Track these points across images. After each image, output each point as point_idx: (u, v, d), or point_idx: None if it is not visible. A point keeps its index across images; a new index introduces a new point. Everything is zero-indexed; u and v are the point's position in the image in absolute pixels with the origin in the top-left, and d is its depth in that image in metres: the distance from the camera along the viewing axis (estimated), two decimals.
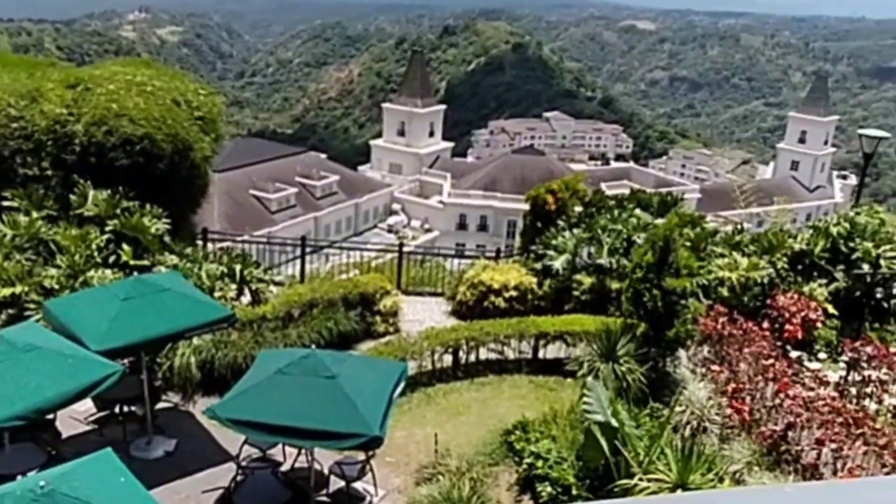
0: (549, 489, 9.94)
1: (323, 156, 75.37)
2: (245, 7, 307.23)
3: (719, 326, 12.96)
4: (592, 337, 12.83)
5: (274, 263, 18.88)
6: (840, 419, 9.96)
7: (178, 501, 9.88)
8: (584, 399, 10.22)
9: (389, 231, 67.04)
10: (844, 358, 12.72)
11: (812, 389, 10.85)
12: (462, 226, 71.80)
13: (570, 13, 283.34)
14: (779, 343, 12.91)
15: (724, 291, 14.89)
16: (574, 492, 9.79)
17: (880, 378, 11.72)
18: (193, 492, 10.11)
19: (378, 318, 14.97)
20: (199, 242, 16.76)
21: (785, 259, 15.97)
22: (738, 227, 18.05)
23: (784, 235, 16.73)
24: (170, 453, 10.99)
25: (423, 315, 16.13)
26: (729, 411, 11.39)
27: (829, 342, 14.89)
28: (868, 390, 11.84)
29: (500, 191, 70.93)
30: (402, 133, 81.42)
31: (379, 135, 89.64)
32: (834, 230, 16.55)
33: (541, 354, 14.28)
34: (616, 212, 16.58)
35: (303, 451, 10.38)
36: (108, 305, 10.14)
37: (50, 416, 10.14)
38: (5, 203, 14.01)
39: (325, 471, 10.31)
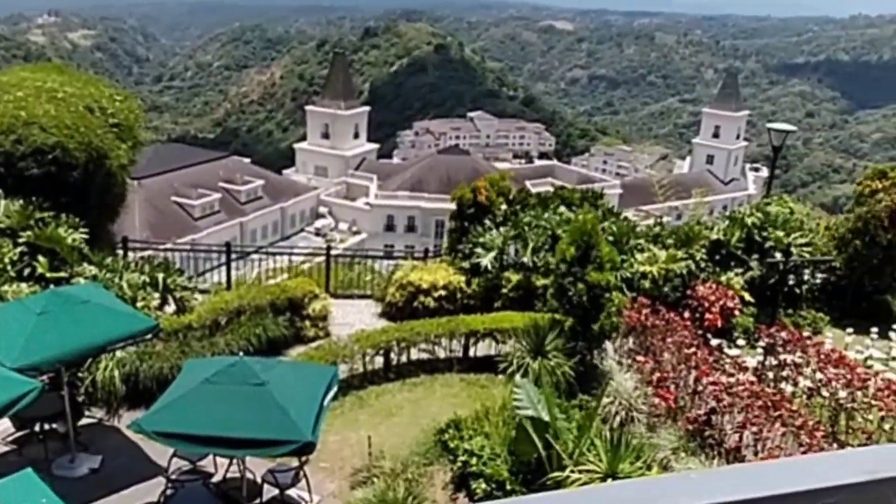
0: (483, 485, 10.04)
1: (247, 160, 74.10)
2: (160, 10, 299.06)
3: (643, 318, 13.35)
4: (521, 333, 13.02)
5: (199, 271, 18.51)
6: (759, 403, 10.39)
7: None
8: (515, 395, 10.37)
9: (317, 234, 66.37)
10: (761, 344, 13.26)
11: (732, 375, 11.28)
12: (390, 227, 71.68)
13: (490, 14, 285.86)
14: (700, 332, 13.37)
15: (647, 284, 15.32)
16: (508, 487, 9.92)
17: (795, 361, 12.27)
18: None
19: (307, 323, 14.85)
20: (120, 252, 16.30)
21: (703, 250, 16.53)
22: (658, 220, 18.58)
23: (701, 227, 17.32)
24: (95, 470, 10.66)
25: (353, 318, 16.07)
26: (655, 400, 11.74)
27: (746, 329, 15.49)
28: (784, 374, 12.38)
29: (426, 191, 71.13)
30: (326, 135, 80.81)
31: (303, 138, 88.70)
32: (748, 221, 17.21)
33: (471, 352, 14.40)
34: (540, 209, 16.85)
35: (234, 460, 10.21)
36: (23, 320, 9.75)
37: None
38: None
39: (259, 479, 10.17)
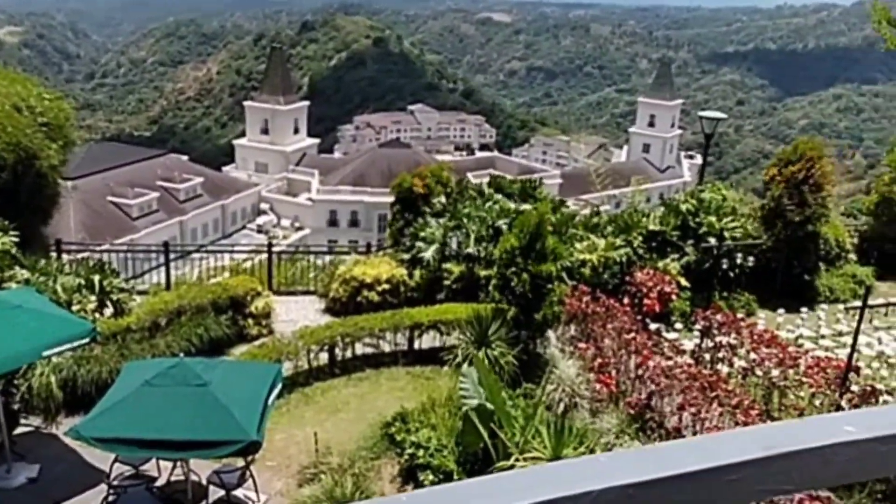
0: (431, 477, 10.13)
1: (185, 158, 72.51)
2: (91, 5, 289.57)
3: (583, 305, 13.59)
4: (465, 324, 13.13)
5: (137, 272, 18.13)
6: (697, 384, 10.70)
7: None
8: (461, 386, 10.47)
9: (259, 231, 65.49)
10: (698, 327, 13.63)
11: (671, 358, 11.60)
12: (333, 222, 71.14)
13: (427, 6, 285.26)
14: (639, 317, 13.67)
15: (587, 272, 15.58)
16: (455, 477, 10.02)
17: (730, 343, 12.66)
18: None
19: (250, 321, 14.71)
20: (53, 255, 15.87)
21: (640, 238, 16.89)
22: (596, 209, 18.91)
23: (639, 215, 17.69)
24: (33, 480, 10.40)
25: (297, 314, 15.97)
26: (597, 385, 11.98)
27: (683, 313, 15.92)
28: (720, 355, 12.77)
29: (368, 185, 70.76)
30: (266, 131, 79.77)
31: (242, 134, 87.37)
32: (683, 207, 17.65)
33: (416, 345, 14.46)
34: (478, 200, 16.98)
35: (178, 463, 10.07)
36: None
37: None
38: None
39: (204, 481, 10.05)
